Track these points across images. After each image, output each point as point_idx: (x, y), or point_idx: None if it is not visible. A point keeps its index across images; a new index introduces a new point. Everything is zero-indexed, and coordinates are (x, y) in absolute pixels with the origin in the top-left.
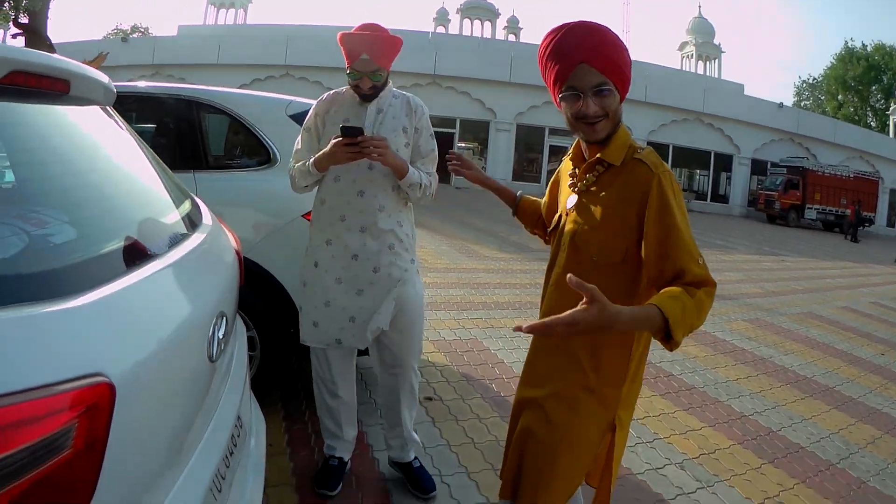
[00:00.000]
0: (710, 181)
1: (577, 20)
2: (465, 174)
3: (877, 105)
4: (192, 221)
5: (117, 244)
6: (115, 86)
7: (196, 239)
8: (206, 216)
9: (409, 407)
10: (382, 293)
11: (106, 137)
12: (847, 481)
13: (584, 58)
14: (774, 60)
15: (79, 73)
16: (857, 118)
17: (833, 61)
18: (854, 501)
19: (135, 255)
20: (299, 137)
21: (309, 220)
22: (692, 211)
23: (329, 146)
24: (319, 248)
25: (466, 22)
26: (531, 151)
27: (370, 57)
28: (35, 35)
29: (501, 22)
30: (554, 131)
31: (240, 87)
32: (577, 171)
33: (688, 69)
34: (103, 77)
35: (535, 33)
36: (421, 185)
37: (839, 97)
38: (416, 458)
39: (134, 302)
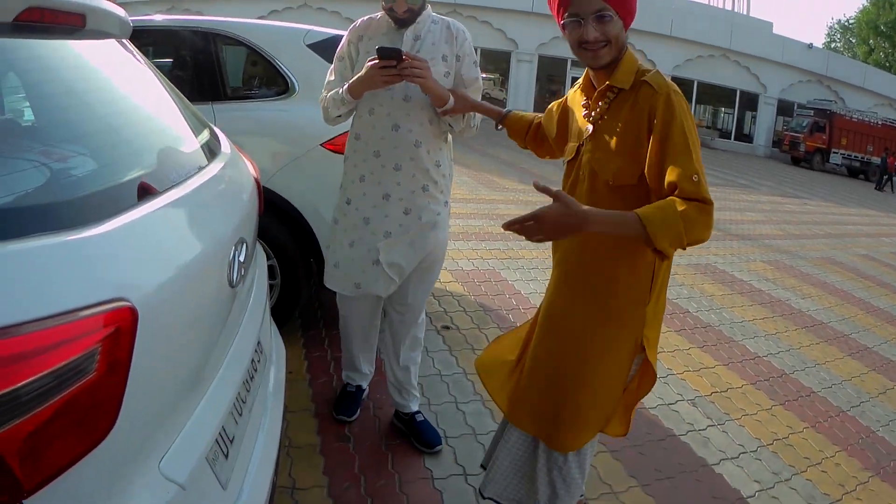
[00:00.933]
0: (735, 120)
1: None
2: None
3: None
4: (211, 151)
5: (137, 173)
6: (132, 20)
7: (215, 167)
8: (225, 145)
9: (411, 348)
10: (411, 237)
11: (123, 71)
12: (856, 429)
13: None
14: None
15: (94, 6)
16: (887, 64)
17: (866, 4)
18: (862, 449)
19: (155, 183)
20: (332, 67)
21: (329, 148)
22: (715, 149)
23: (364, 69)
24: (353, 184)
25: None
26: (553, 83)
27: None
28: None
29: None
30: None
31: (270, 14)
32: (589, 101)
33: (715, 4)
34: (119, 10)
35: None
36: (464, 115)
37: (870, 42)
38: (419, 411)
39: (155, 228)
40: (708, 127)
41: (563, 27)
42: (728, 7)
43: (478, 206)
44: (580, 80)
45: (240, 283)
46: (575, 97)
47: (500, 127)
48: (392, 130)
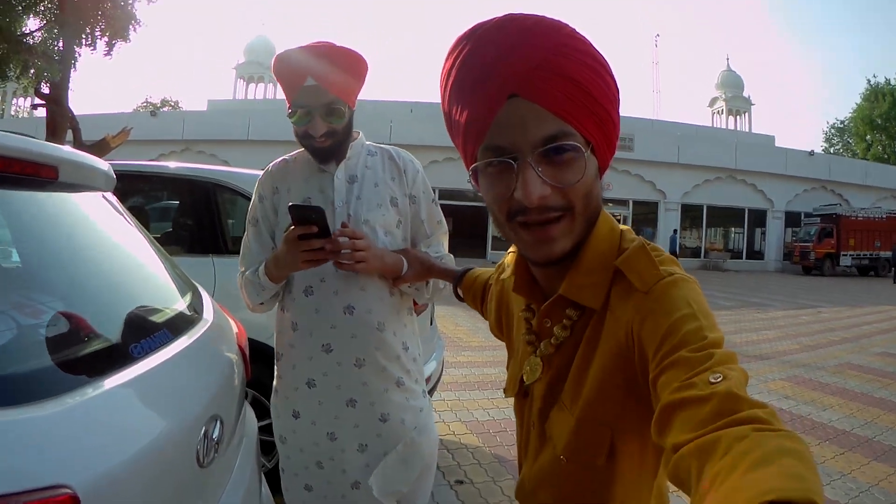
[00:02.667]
0: (745, 238)
1: (502, 15)
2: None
3: None
4: (191, 316)
5: (102, 343)
6: (129, 164)
7: (193, 335)
8: (209, 309)
9: None
10: (400, 453)
11: (102, 225)
12: None
13: (517, 85)
14: (803, 106)
15: (67, 158)
16: (886, 156)
17: (859, 101)
18: None
19: (120, 354)
20: (246, 236)
21: None
22: (727, 271)
23: (281, 243)
24: (298, 391)
25: None
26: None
27: (319, 82)
28: (57, 105)
29: None
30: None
31: (269, 164)
32: (532, 313)
33: (719, 125)
34: (102, 164)
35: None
36: (427, 284)
37: (867, 137)
38: None
39: (113, 405)
40: (719, 249)
41: (476, 173)
42: (731, 126)
43: (493, 354)
44: (509, 265)
45: (212, 462)
46: (510, 289)
47: (459, 293)
48: (346, 314)
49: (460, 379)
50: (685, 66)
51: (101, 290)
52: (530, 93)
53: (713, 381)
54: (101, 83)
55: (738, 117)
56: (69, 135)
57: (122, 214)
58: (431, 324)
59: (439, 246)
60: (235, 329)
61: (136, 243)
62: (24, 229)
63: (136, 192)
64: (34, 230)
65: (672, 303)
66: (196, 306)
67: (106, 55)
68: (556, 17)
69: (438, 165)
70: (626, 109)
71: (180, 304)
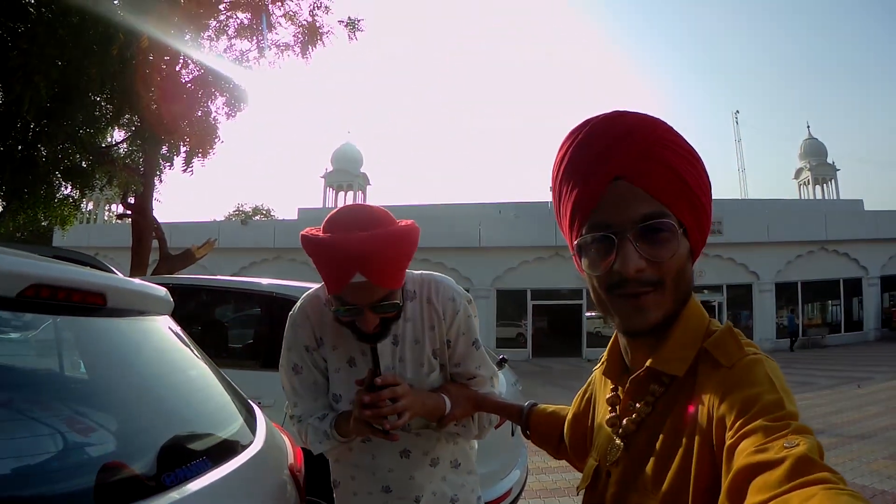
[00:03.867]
0: (842, 310)
1: (611, 111)
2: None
3: None
4: (233, 443)
5: (134, 470)
6: (206, 279)
7: (233, 464)
8: (260, 431)
9: None
10: None
11: (157, 348)
12: None
13: (622, 169)
14: (890, 161)
15: (114, 286)
16: None
17: None
18: None
19: (149, 484)
20: (288, 381)
21: None
22: (827, 346)
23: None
24: None
25: None
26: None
27: (369, 278)
28: (142, 216)
29: None
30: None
31: (302, 302)
32: (618, 393)
33: (806, 196)
34: (156, 290)
35: None
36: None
37: None
38: None
39: None
40: (817, 325)
41: (579, 250)
42: (818, 195)
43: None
44: (605, 353)
45: None
46: (599, 380)
47: (527, 431)
48: (401, 457)
49: (549, 485)
50: (767, 140)
51: (144, 415)
52: (634, 176)
53: (788, 446)
54: (191, 191)
55: (824, 185)
56: (155, 244)
57: (180, 337)
58: (513, 435)
59: (479, 368)
60: (290, 451)
61: (190, 366)
62: (80, 353)
63: (215, 304)
64: (89, 354)
65: (753, 377)
66: (247, 430)
67: (185, 171)
68: (655, 116)
69: (529, 266)
70: (716, 193)
71: (229, 430)
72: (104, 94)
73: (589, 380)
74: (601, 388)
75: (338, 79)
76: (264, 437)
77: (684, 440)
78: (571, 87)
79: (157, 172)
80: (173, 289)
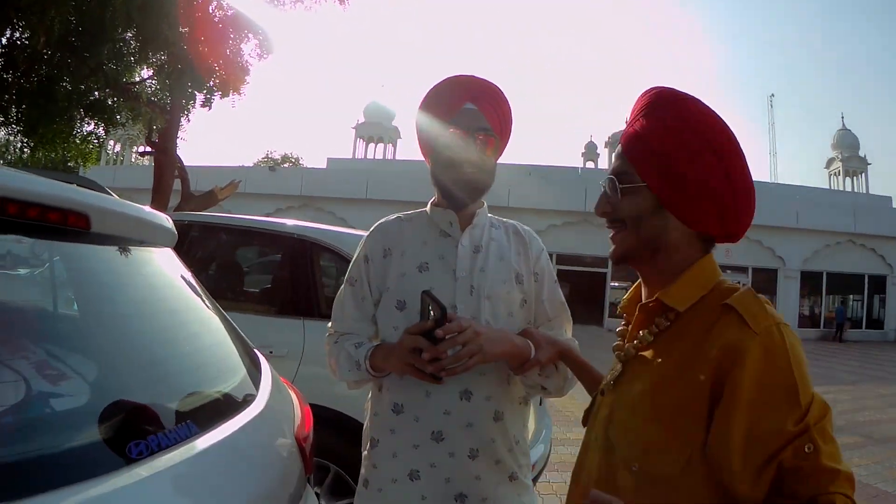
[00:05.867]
0: (864, 306)
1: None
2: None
3: None
4: (228, 403)
5: (106, 431)
6: (225, 216)
7: (223, 430)
8: (265, 388)
9: None
10: None
11: (152, 285)
12: None
13: (623, 143)
14: None
15: (101, 207)
16: None
17: None
18: None
19: (109, 456)
20: (341, 293)
21: None
22: (846, 341)
23: (399, 343)
24: (397, 484)
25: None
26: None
27: (478, 106)
28: (164, 155)
29: None
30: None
31: (379, 221)
32: (628, 322)
33: (836, 187)
34: (156, 217)
35: None
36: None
37: None
38: None
39: None
40: (840, 320)
41: None
42: (847, 187)
43: None
44: (630, 290)
45: None
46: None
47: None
48: (461, 399)
49: (569, 458)
50: (800, 127)
51: (126, 363)
52: (622, 144)
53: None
54: (221, 137)
55: (854, 178)
56: (177, 184)
57: (182, 275)
58: (541, 404)
59: (562, 331)
60: (299, 412)
61: (189, 308)
62: (72, 288)
63: (233, 244)
64: (77, 288)
65: (776, 358)
66: (248, 385)
67: (203, 106)
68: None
69: (556, 230)
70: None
71: (226, 385)
72: (131, 30)
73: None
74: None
75: (374, 29)
76: (268, 395)
77: (686, 374)
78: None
79: (185, 112)
80: (188, 224)
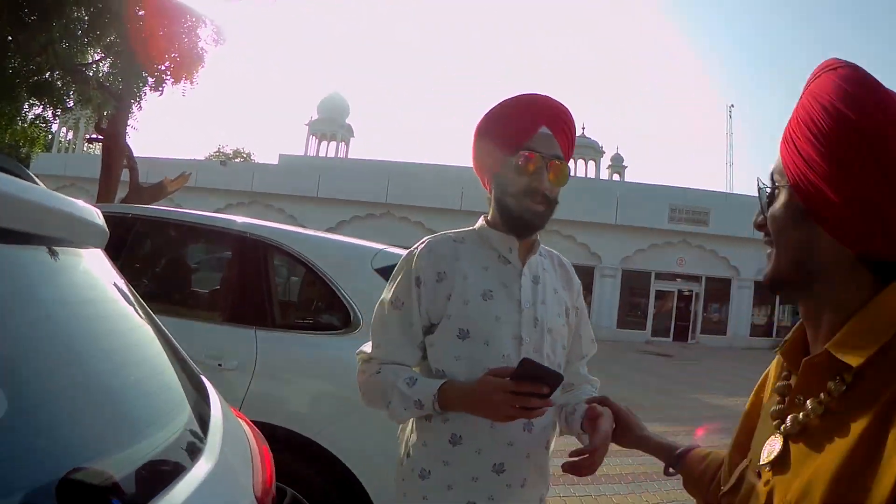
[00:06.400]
0: None
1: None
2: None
3: None
4: (169, 464)
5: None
6: (169, 210)
7: (172, 499)
8: (215, 434)
9: None
10: None
11: (70, 297)
12: None
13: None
14: None
15: (6, 193)
16: None
17: None
18: None
19: None
20: (383, 316)
21: None
22: None
23: (485, 386)
24: None
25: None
26: (636, 296)
27: (552, 131)
28: (113, 142)
29: (605, 161)
30: (660, 275)
31: (338, 224)
32: (790, 381)
33: None
34: (83, 210)
35: (639, 172)
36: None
37: None
38: None
39: None
40: (788, 327)
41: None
42: None
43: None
44: (792, 331)
45: None
46: (776, 365)
47: (671, 471)
48: (524, 430)
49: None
50: (758, 137)
51: (30, 406)
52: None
53: None
54: (173, 130)
55: None
56: (126, 175)
57: (112, 281)
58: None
59: (585, 369)
60: (258, 460)
61: (119, 326)
62: None
63: (179, 242)
64: None
65: None
66: (194, 430)
67: (154, 90)
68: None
69: None
70: (700, 183)
71: (166, 433)
72: (83, 7)
73: (766, 371)
74: (775, 371)
75: (329, 27)
76: (219, 441)
77: (874, 464)
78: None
79: (136, 98)
80: (132, 218)
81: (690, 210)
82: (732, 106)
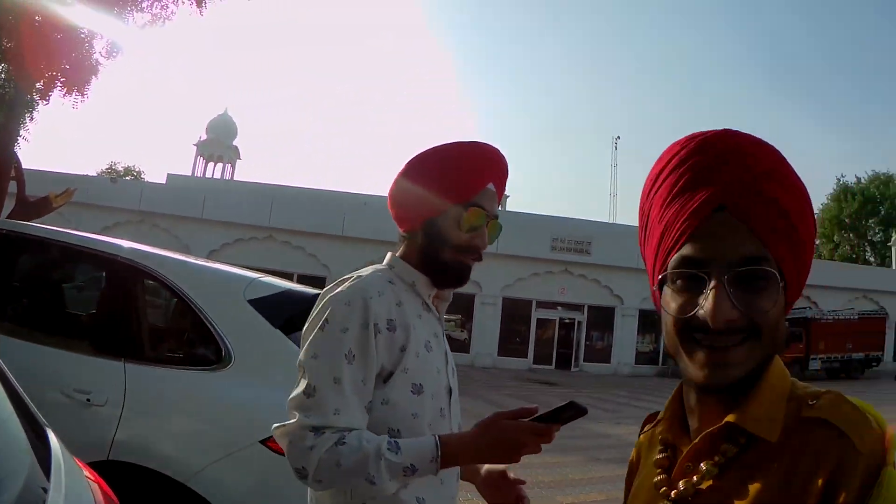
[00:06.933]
0: None
1: (721, 129)
2: None
3: (875, 238)
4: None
5: None
6: (38, 229)
7: None
8: (56, 493)
9: None
10: None
11: None
12: None
13: (729, 198)
14: None
15: None
16: (854, 256)
17: (826, 202)
18: None
19: None
20: (332, 372)
21: (275, 449)
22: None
23: (512, 431)
24: None
25: None
26: (516, 323)
27: (497, 190)
28: (1, 151)
29: None
30: (542, 303)
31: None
32: (671, 452)
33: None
34: None
35: (520, 202)
36: None
37: (835, 238)
38: None
39: None
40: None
41: (660, 283)
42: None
43: None
44: (664, 410)
45: None
46: (644, 444)
47: None
48: (456, 481)
49: None
50: (643, 167)
51: None
52: (740, 210)
53: None
54: (66, 147)
55: None
56: (13, 186)
57: None
58: None
59: None
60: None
61: None
62: None
63: (52, 265)
64: None
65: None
66: (34, 489)
67: (40, 99)
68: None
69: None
70: (583, 213)
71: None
72: None
73: (630, 457)
74: (647, 452)
75: (220, 50)
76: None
77: None
78: (446, 90)
79: (29, 109)
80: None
81: (572, 240)
82: (619, 138)
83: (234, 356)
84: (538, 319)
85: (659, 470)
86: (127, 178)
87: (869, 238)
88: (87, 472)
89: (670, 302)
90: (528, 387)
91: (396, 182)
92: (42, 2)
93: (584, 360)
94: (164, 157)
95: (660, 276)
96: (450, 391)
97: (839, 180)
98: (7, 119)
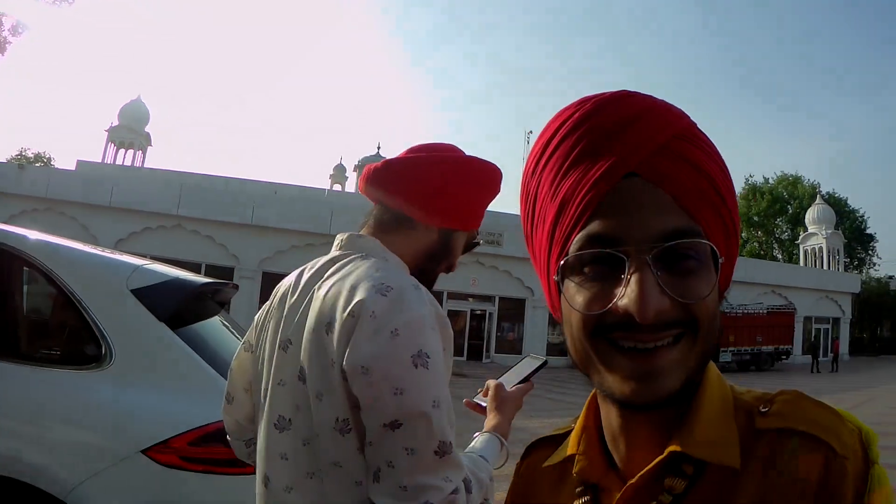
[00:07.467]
0: None
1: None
2: None
3: (782, 237)
4: None
5: None
6: None
7: None
8: None
9: None
10: None
11: None
12: None
13: (638, 162)
14: None
15: None
16: (762, 253)
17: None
18: None
19: None
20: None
21: (157, 460)
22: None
23: (521, 393)
24: None
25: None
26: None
27: None
28: None
29: None
30: (452, 295)
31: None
32: (593, 494)
33: None
34: None
35: None
36: None
37: (743, 234)
38: None
39: None
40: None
41: (563, 268)
42: None
43: None
44: (573, 434)
45: None
46: (546, 484)
47: None
48: None
49: None
50: None
51: None
52: (659, 172)
53: None
54: None
55: None
56: None
57: None
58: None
59: None
60: None
61: None
62: None
63: None
64: None
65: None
66: None
67: None
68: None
69: (298, 251)
70: (494, 205)
71: None
72: None
73: (506, 499)
74: (550, 492)
75: (134, 30)
76: None
77: None
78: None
79: None
80: None
81: (484, 231)
82: (531, 132)
83: (115, 354)
84: (449, 311)
85: None
86: (37, 164)
87: (777, 236)
88: None
89: (576, 296)
90: None
91: (460, 173)
92: None
93: (496, 352)
94: (77, 144)
95: (561, 263)
96: None
97: (747, 180)
98: None
